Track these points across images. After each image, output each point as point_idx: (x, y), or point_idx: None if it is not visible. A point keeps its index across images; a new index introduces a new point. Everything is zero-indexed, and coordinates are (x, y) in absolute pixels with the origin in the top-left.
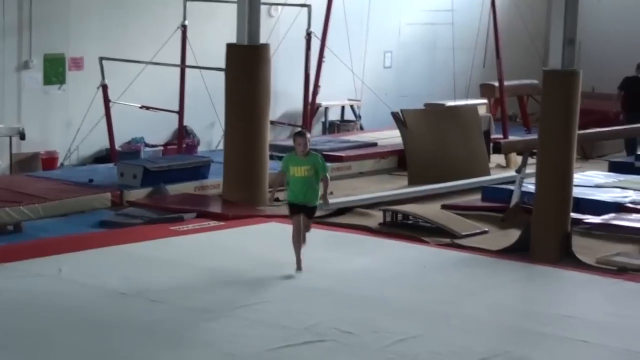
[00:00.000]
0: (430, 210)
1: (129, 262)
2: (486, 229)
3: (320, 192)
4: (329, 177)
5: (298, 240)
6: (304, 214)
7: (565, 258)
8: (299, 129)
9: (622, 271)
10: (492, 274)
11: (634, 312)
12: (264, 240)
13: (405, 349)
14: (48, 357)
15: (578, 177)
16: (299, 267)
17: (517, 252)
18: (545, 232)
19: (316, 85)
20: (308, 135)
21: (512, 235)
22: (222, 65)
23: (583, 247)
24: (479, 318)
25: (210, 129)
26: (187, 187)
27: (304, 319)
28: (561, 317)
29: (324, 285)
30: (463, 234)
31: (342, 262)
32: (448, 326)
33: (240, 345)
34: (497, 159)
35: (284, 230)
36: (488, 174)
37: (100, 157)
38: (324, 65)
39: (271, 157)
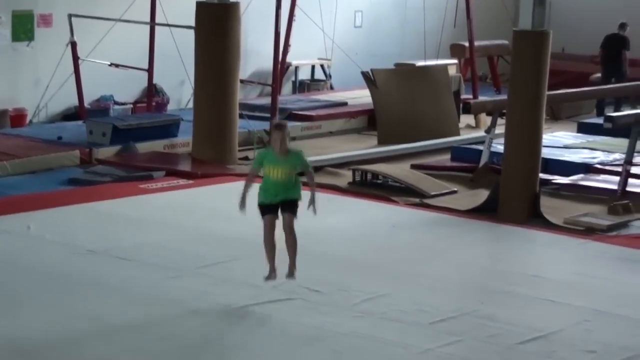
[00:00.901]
0: (400, 170)
1: (97, 220)
2: (455, 189)
3: (307, 194)
4: (313, 173)
5: (271, 243)
6: (287, 211)
7: (534, 218)
8: (277, 120)
9: (589, 231)
10: (461, 234)
11: (600, 272)
12: (233, 199)
13: (373, 308)
14: (15, 313)
15: (547, 137)
16: (270, 276)
17: (486, 212)
18: (513, 192)
19: (286, 44)
20: (288, 129)
21: (481, 195)
22: (192, 23)
23: (551, 208)
24: (447, 277)
25: (179, 87)
26: (156, 145)
27: None
28: (528, 276)
29: None
30: (432, 193)
31: (311, 221)
32: (416, 285)
33: (207, 303)
34: (466, 119)
35: (254, 189)
36: (457, 134)
37: (69, 115)
38: (294, 24)
39: (241, 116)
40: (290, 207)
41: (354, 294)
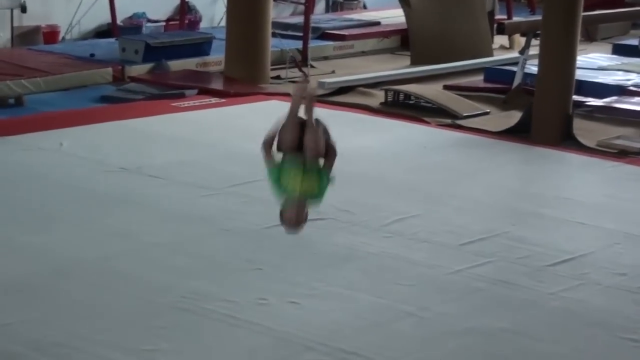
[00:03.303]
0: (432, 91)
1: (129, 138)
2: (488, 110)
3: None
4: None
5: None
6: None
7: (566, 140)
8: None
9: (622, 154)
10: (493, 155)
11: (632, 195)
12: (265, 118)
13: (404, 228)
14: (48, 230)
15: (581, 59)
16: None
17: (518, 133)
18: (546, 114)
19: None
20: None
21: (514, 117)
22: None
23: (584, 130)
24: (478, 198)
25: (212, 5)
26: (188, 64)
27: None
28: (560, 198)
29: None
30: (464, 114)
31: (342, 141)
32: (447, 206)
33: (237, 222)
34: (500, 40)
35: (285, 108)
36: (491, 54)
37: (102, 32)
38: None
39: (273, 35)
40: None
41: (384, 214)
